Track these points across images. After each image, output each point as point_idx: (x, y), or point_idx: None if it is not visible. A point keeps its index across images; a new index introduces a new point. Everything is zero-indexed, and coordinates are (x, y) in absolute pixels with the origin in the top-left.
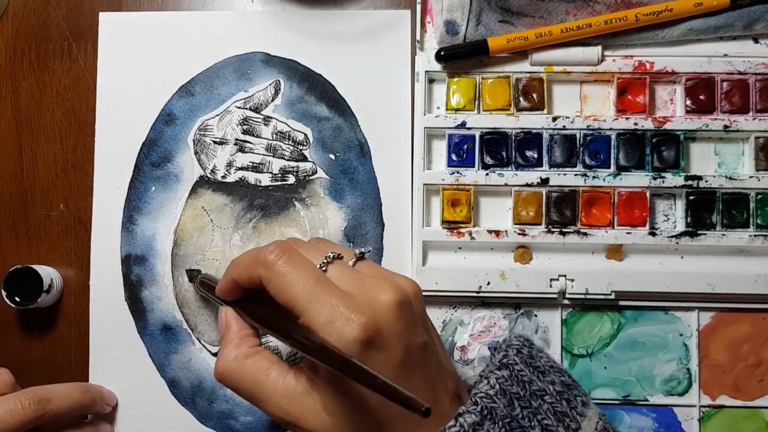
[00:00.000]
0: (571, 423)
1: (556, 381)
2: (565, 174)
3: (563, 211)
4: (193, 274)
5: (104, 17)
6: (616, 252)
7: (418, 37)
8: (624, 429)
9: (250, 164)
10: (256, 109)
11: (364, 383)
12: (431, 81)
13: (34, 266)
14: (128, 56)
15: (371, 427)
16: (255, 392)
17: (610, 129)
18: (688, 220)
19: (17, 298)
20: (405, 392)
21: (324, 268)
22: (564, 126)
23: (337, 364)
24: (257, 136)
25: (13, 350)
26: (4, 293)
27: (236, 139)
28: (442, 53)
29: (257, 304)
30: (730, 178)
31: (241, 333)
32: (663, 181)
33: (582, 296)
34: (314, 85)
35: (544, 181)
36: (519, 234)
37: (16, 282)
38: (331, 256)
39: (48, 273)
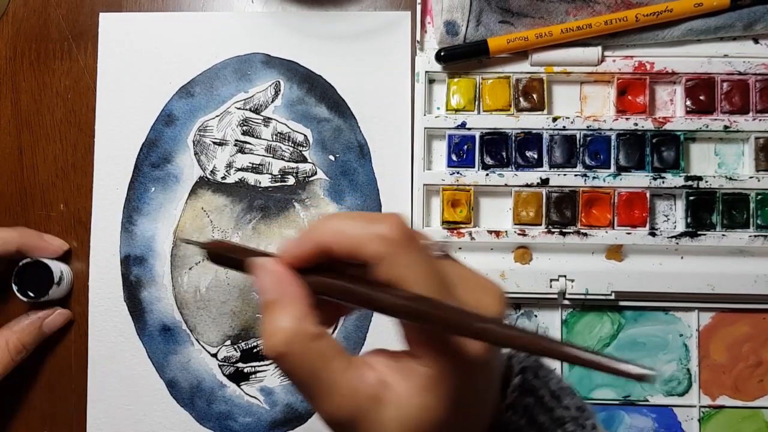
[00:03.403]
0: None
1: (570, 406)
2: (565, 174)
3: (563, 212)
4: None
5: (104, 17)
6: (616, 252)
7: (418, 38)
8: (624, 429)
9: (250, 165)
10: (256, 110)
11: (570, 360)
12: (431, 81)
13: (44, 260)
14: (128, 56)
15: (453, 419)
16: (313, 383)
17: (610, 129)
18: (688, 220)
19: (30, 293)
20: (620, 361)
21: None
22: (564, 126)
23: (521, 343)
24: (257, 137)
25: None
26: (15, 287)
27: (236, 140)
28: (442, 54)
29: (339, 272)
30: (730, 179)
31: (306, 301)
32: (663, 182)
33: (582, 296)
34: (314, 86)
35: (544, 182)
36: (519, 234)
37: (26, 276)
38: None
39: (57, 266)
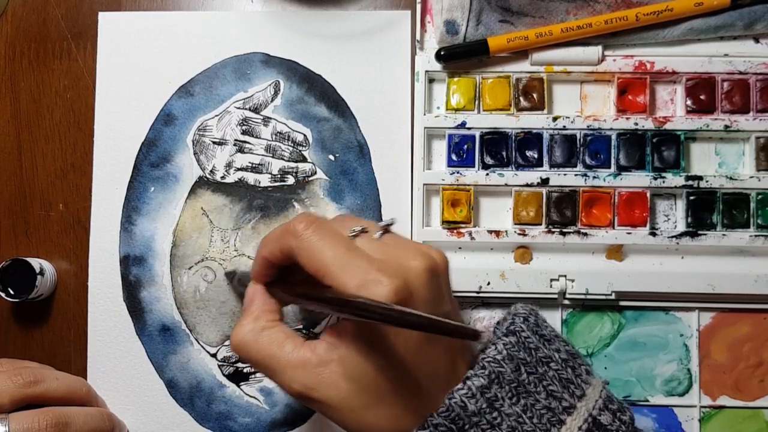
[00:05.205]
0: (575, 390)
1: (561, 349)
2: (565, 174)
3: (563, 211)
4: (230, 276)
5: (103, 17)
6: (616, 252)
7: (418, 37)
8: None
9: (250, 165)
10: (256, 110)
11: (410, 326)
12: (431, 81)
13: (24, 258)
14: (127, 56)
15: (386, 395)
16: (269, 364)
17: (611, 129)
18: (689, 220)
19: (11, 290)
20: (452, 323)
21: (352, 239)
22: (564, 126)
23: (379, 315)
24: (256, 137)
25: (12, 351)
26: None
27: (235, 140)
28: (442, 53)
29: (290, 281)
30: (731, 178)
31: (263, 307)
32: (663, 181)
33: (582, 296)
34: (314, 86)
35: (545, 181)
36: (519, 234)
37: (8, 275)
38: (358, 229)
39: (37, 262)
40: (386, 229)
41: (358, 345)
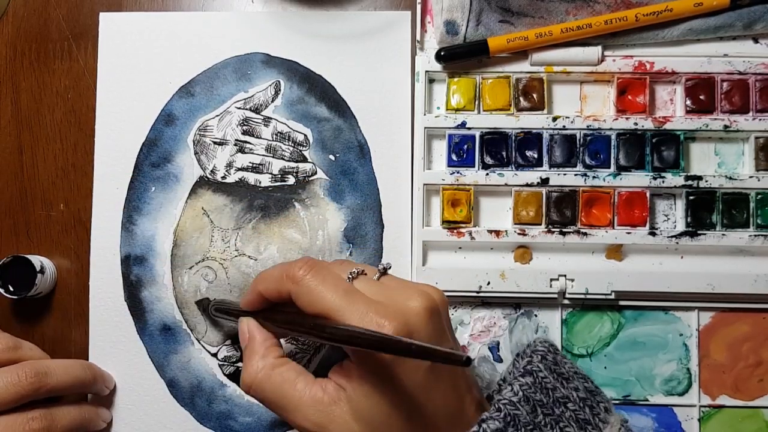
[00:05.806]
0: (593, 430)
1: (579, 388)
2: (565, 174)
3: (563, 211)
4: (203, 303)
5: (104, 17)
6: (616, 252)
7: (418, 37)
8: None
9: (250, 165)
10: (256, 110)
11: (402, 353)
12: (431, 81)
13: (24, 255)
14: (128, 56)
15: (399, 405)
16: (282, 403)
17: (610, 129)
18: (688, 220)
19: (11, 287)
20: (442, 349)
21: (350, 282)
22: (564, 126)
23: (371, 344)
24: (257, 137)
25: None
26: None
27: (236, 140)
28: (442, 53)
29: (280, 312)
30: (730, 178)
31: (266, 343)
32: (663, 181)
33: (582, 296)
34: (314, 86)
35: (544, 181)
36: (519, 234)
37: (8, 272)
38: (356, 271)
39: (38, 260)
40: (384, 272)
41: (365, 385)
